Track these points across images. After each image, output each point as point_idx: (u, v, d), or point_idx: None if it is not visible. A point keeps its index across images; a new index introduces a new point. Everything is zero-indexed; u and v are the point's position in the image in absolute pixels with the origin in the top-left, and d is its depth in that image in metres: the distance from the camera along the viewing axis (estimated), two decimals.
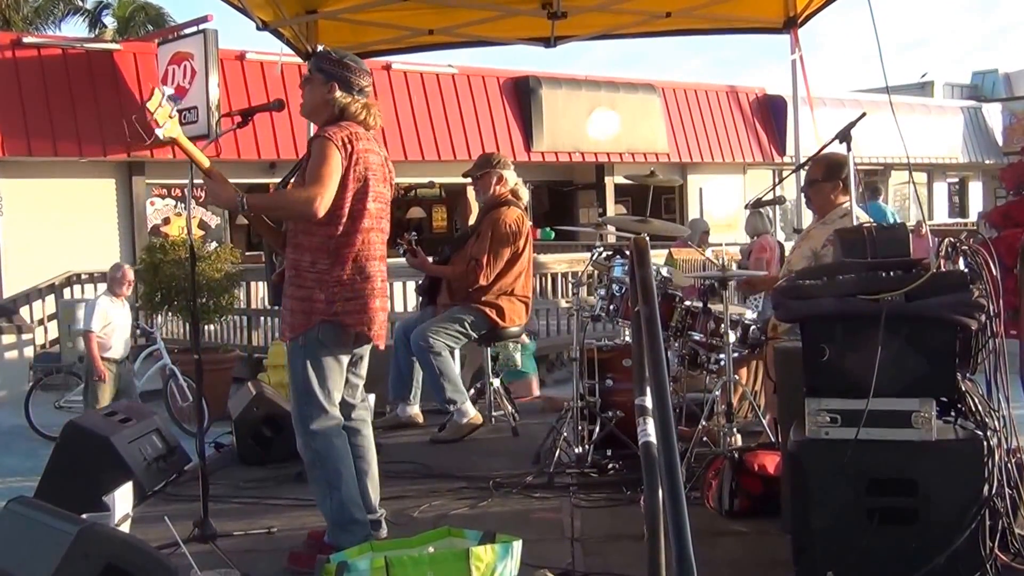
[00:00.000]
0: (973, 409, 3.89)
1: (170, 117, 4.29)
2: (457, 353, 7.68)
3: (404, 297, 12.78)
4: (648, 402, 3.05)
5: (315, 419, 4.47)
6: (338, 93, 4.52)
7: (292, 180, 4.70)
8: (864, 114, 5.51)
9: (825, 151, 5.84)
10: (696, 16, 8.35)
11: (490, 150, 20.17)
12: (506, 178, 7.31)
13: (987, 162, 31.63)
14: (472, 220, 8.29)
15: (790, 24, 8.13)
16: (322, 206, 4.28)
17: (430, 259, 7.42)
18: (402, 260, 7.47)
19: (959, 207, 33.11)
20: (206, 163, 4.39)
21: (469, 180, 7.45)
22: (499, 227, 7.12)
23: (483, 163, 7.37)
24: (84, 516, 4.36)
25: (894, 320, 3.79)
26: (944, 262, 3.98)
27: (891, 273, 3.96)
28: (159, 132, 4.27)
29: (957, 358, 3.89)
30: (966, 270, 3.96)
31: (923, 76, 36.02)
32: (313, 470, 4.54)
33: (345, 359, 4.59)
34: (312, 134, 4.66)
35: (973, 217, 27.92)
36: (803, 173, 6.16)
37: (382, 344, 4.67)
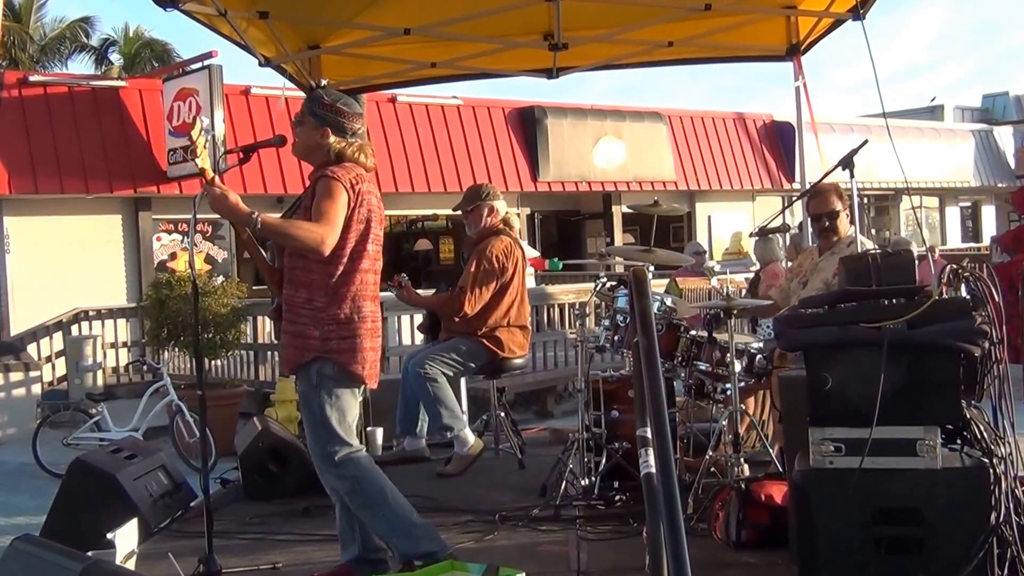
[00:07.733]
0: (979, 436, 3.86)
1: (204, 148, 4.38)
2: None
3: (411, 331, 12.73)
4: (649, 433, 3.04)
5: (339, 452, 4.45)
6: (332, 139, 4.51)
7: (294, 215, 4.68)
8: (866, 141, 5.51)
9: (828, 179, 5.84)
10: (698, 45, 8.31)
11: (495, 180, 20.40)
12: (497, 209, 7.32)
13: (1000, 185, 31.42)
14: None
15: (793, 51, 8.10)
16: (328, 246, 4.29)
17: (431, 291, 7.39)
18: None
19: (972, 231, 32.97)
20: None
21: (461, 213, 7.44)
22: (485, 257, 7.11)
23: (472, 196, 7.36)
24: (89, 553, 4.36)
25: (896, 348, 3.77)
26: (946, 288, 3.95)
27: (893, 300, 3.94)
28: (196, 162, 4.34)
29: (962, 385, 3.86)
30: (968, 296, 3.94)
31: (932, 100, 36.01)
32: (355, 498, 4.50)
33: (358, 392, 4.58)
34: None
35: (987, 241, 27.78)
36: (807, 201, 6.14)
37: (374, 384, 4.61)
